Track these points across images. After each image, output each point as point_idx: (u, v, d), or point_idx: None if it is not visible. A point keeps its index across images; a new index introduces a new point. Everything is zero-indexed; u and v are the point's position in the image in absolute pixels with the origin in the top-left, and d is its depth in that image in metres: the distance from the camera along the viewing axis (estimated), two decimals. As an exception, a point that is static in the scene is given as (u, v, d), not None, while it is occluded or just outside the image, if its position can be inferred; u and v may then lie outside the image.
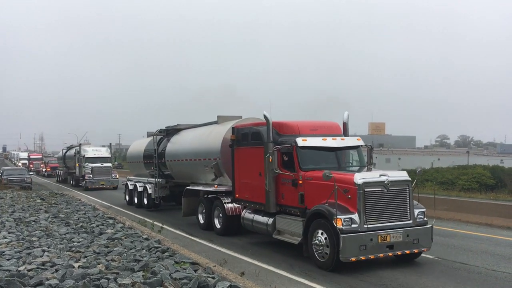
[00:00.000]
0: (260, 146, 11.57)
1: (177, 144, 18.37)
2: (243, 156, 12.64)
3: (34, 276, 7.37)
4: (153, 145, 19.82)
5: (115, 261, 8.71)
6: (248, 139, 12.46)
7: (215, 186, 14.65)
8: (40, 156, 77.35)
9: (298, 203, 10.55)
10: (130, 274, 7.53)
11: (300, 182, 10.58)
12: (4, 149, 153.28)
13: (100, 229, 12.70)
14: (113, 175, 35.14)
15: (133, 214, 19.13)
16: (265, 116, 11.44)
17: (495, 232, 14.57)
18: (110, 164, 35.75)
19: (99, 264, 8.31)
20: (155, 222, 14.62)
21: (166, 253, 9.49)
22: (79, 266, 8.25)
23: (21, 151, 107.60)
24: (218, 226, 14.19)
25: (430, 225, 10.30)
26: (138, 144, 23.59)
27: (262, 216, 11.82)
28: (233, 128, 13.27)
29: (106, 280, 7.10)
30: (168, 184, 19.88)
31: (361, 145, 11.76)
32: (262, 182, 11.35)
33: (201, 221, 15.22)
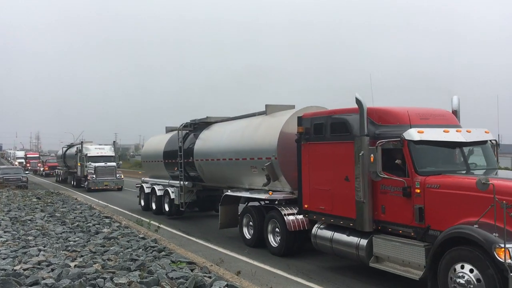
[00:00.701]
0: (346, 141, 8.78)
1: (209, 141, 15.33)
2: (318, 154, 9.74)
3: (30, 276, 7.35)
4: (178, 142, 16.75)
5: (112, 260, 8.70)
6: (326, 131, 9.52)
7: (270, 192, 11.51)
8: (37, 155, 76.30)
9: (414, 220, 7.64)
10: (126, 274, 7.52)
11: (418, 190, 7.67)
12: (0, 148, 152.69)
13: (97, 228, 12.67)
14: (117, 175, 32.66)
15: (131, 214, 19.09)
16: (358, 101, 8.41)
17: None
18: (114, 164, 33.07)
19: (95, 264, 8.30)
20: (151, 222, 14.59)
21: (163, 253, 9.48)
22: (75, 265, 8.24)
23: (18, 150, 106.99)
24: (273, 243, 11.29)
25: None
26: (156, 141, 20.28)
27: (348, 236, 8.89)
28: (299, 118, 10.38)
29: (103, 280, 7.08)
30: (195, 188, 16.74)
31: (491, 140, 8.89)
32: (349, 189, 8.58)
33: (247, 235, 12.41)
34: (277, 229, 11.17)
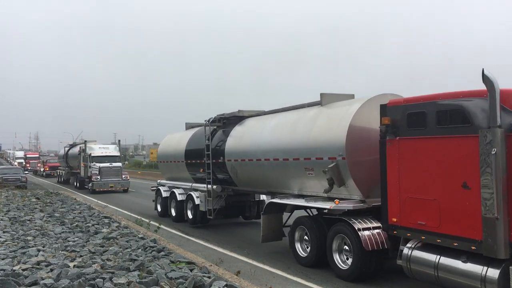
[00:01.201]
0: (465, 135, 6.79)
1: (244, 138, 13.00)
2: (415, 153, 7.60)
3: (29, 276, 7.34)
4: (204, 139, 14.53)
5: (111, 260, 8.69)
6: (429, 122, 7.36)
7: (336, 201, 9.22)
8: (37, 155, 75.73)
9: None
10: (125, 274, 7.51)
11: None
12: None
13: (96, 228, 12.66)
14: (123, 176, 31.15)
15: (130, 213, 19.08)
16: (486, 79, 6.41)
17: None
18: (120, 164, 31.58)
19: (94, 264, 8.29)
20: (151, 222, 14.58)
21: (162, 253, 9.47)
22: (74, 265, 8.23)
23: (17, 150, 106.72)
24: (341, 265, 9.08)
25: None
26: (176, 140, 17.92)
27: (466, 263, 6.74)
28: (384, 106, 8.30)
29: (102, 280, 7.08)
30: (225, 192, 14.46)
31: None
32: (470, 200, 6.65)
33: (301, 253, 10.18)
34: (345, 246, 8.95)
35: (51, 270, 7.80)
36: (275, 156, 11.33)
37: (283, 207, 10.91)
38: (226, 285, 6.99)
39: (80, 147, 34.12)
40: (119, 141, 36.41)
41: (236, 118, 14.08)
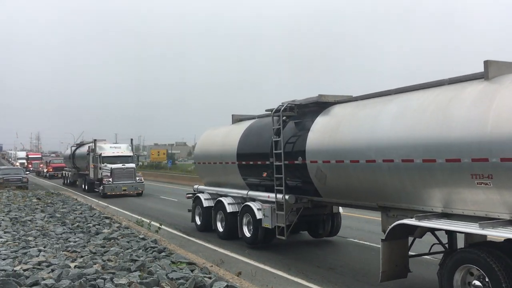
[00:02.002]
0: None
1: (340, 131, 9.34)
2: None
3: (30, 276, 7.35)
4: (273, 134, 11.29)
5: (112, 261, 8.70)
6: None
7: None
8: (39, 156, 74.17)
9: None
10: (126, 274, 7.51)
11: None
12: (0, 148, 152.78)
13: (97, 228, 12.68)
14: (137, 178, 28.45)
15: (130, 214, 19.07)
16: None
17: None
18: (133, 165, 28.86)
19: (95, 264, 8.30)
20: (152, 222, 14.58)
21: (163, 253, 9.48)
22: (75, 266, 8.24)
23: (19, 150, 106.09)
24: None
25: None
26: (221, 135, 14.43)
27: None
28: None
29: (103, 280, 7.08)
30: (299, 204, 11.04)
31: None
32: None
33: None
34: None
35: (52, 270, 7.81)
36: (407, 155, 7.79)
37: (410, 230, 7.68)
38: (227, 285, 6.98)
39: (89, 146, 31.50)
40: (131, 140, 33.54)
41: (315, 106, 10.65)
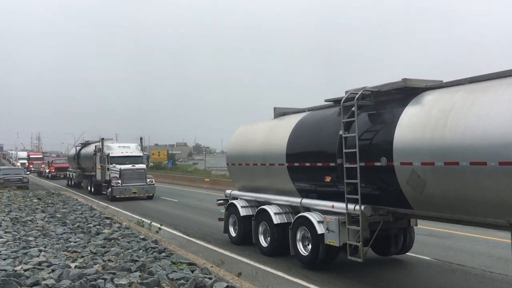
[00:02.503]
0: None
1: (451, 124, 7.25)
2: None
3: (30, 276, 7.35)
4: (342, 128, 9.09)
5: (112, 261, 8.70)
6: None
7: None
8: (41, 156, 72.93)
9: None
10: (127, 275, 7.52)
11: None
12: (1, 148, 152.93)
13: (97, 229, 12.68)
14: (148, 180, 26.53)
15: (131, 214, 19.07)
16: None
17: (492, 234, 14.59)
18: (143, 166, 27.02)
19: (96, 264, 8.31)
20: (152, 223, 14.58)
21: (163, 254, 9.48)
22: (75, 266, 8.24)
23: (20, 150, 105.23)
24: None
25: None
26: (262, 132, 12.33)
27: None
28: None
29: (103, 281, 7.08)
30: (379, 218, 8.89)
31: None
32: None
33: None
34: None
35: (53, 270, 7.82)
36: None
37: None
38: (227, 286, 6.98)
39: (96, 146, 29.52)
40: (141, 139, 30.66)
41: (398, 93, 8.66)
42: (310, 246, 9.78)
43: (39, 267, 8.19)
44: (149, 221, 14.98)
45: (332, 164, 9.39)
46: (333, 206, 9.38)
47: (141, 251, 9.69)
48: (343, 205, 9.00)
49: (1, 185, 30.17)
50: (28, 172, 43.38)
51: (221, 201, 13.67)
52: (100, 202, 23.40)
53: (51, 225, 13.47)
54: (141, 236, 11.60)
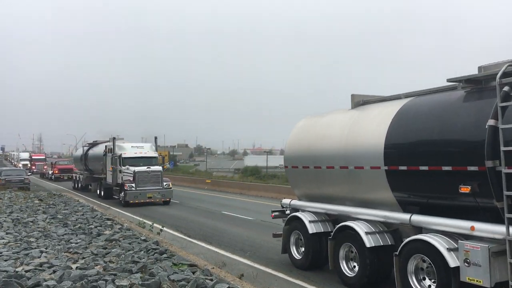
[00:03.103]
0: None
1: None
2: None
3: (31, 277, 7.36)
4: (499, 116, 6.16)
5: (113, 262, 8.71)
6: None
7: None
8: (43, 157, 71.58)
9: None
10: (128, 276, 7.52)
11: None
12: (3, 149, 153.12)
13: (98, 230, 12.68)
14: (164, 183, 23.94)
15: (131, 215, 19.07)
16: None
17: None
18: (159, 168, 24.38)
19: (97, 265, 8.31)
20: (154, 224, 14.58)
21: (164, 255, 9.48)
22: (77, 267, 8.25)
23: (22, 151, 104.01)
24: None
25: None
26: (339, 125, 9.44)
27: None
28: None
29: (104, 282, 7.09)
30: None
31: None
32: None
33: None
34: None
35: (54, 271, 7.83)
36: None
37: None
38: (228, 287, 6.98)
39: (106, 146, 27.10)
40: (155, 138, 27.80)
41: None
42: (435, 283, 6.84)
43: (40, 268, 8.20)
44: (150, 222, 14.98)
45: (472, 168, 6.55)
46: (473, 228, 6.55)
47: (142, 252, 9.69)
48: (493, 227, 6.34)
49: (3, 186, 30.20)
50: (29, 173, 43.41)
51: (277, 213, 11.15)
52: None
53: (52, 226, 13.47)
54: (142, 237, 11.60)
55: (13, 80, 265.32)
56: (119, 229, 13.09)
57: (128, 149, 24.94)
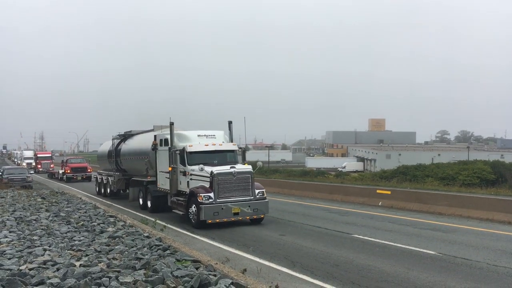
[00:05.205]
0: None
1: None
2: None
3: (35, 275, 7.36)
4: None
5: (117, 259, 8.71)
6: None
7: None
8: (49, 155, 65.08)
9: None
10: (131, 273, 7.52)
11: None
12: (5, 147, 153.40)
13: (101, 227, 12.69)
14: (257, 191, 15.75)
15: (134, 212, 19.08)
16: None
17: (496, 227, 14.54)
18: (249, 168, 16.08)
19: (100, 263, 8.31)
20: (157, 221, 14.59)
21: (168, 251, 9.48)
22: (80, 264, 8.25)
23: (25, 150, 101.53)
24: None
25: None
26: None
27: None
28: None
29: (108, 279, 7.09)
30: None
31: None
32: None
33: None
34: None
35: (57, 269, 7.82)
36: None
37: None
38: (232, 283, 6.98)
39: (156, 137, 19.15)
40: (229, 123, 18.59)
41: None
42: None
43: (44, 266, 8.19)
44: (153, 219, 14.99)
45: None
46: None
47: (145, 249, 9.69)
48: None
49: (5, 184, 30.26)
50: (32, 172, 43.27)
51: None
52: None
53: (55, 224, 13.49)
54: (145, 234, 11.61)
55: (15, 79, 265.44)
56: (122, 226, 13.10)
57: (194, 139, 17.04)
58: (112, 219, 14.41)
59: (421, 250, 11.19)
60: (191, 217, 15.57)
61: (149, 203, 19.79)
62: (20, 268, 7.98)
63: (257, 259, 10.44)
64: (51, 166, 55.15)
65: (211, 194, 15.02)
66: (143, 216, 17.26)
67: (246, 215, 15.42)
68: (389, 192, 21.70)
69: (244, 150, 18.31)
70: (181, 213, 16.42)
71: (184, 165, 16.42)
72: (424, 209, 18.64)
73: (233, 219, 15.19)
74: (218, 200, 15.03)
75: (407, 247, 11.62)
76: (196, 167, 15.76)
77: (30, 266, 8.16)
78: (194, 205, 15.30)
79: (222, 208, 15.02)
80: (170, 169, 16.93)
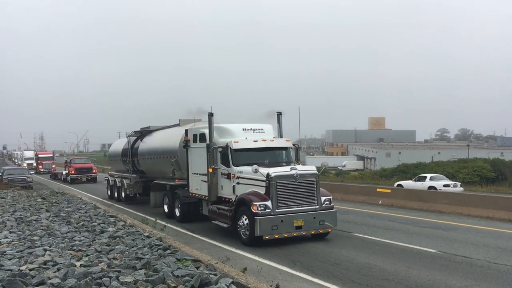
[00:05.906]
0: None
1: None
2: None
3: (36, 276, 7.36)
4: None
5: (117, 259, 8.71)
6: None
7: None
8: (51, 155, 63.76)
9: None
10: (132, 272, 7.52)
11: None
12: (5, 148, 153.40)
13: (102, 227, 12.69)
14: (323, 198, 12.70)
15: (134, 212, 19.09)
16: None
17: (496, 225, 14.56)
18: (314, 169, 13.18)
19: (101, 263, 8.31)
20: (158, 220, 14.59)
21: (168, 251, 9.48)
22: (80, 264, 8.25)
23: (26, 150, 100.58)
24: None
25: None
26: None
27: None
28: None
29: (108, 279, 7.09)
30: None
31: None
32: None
33: None
34: None
35: (58, 269, 7.82)
36: None
37: None
38: (232, 282, 6.98)
39: (188, 131, 16.02)
40: (278, 115, 15.82)
41: None
42: None
43: (44, 266, 8.19)
44: (154, 219, 14.99)
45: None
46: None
47: (145, 248, 9.69)
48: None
49: (5, 185, 30.25)
50: (32, 172, 43.20)
51: None
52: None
53: (55, 224, 13.48)
54: (146, 234, 11.61)
55: (15, 80, 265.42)
56: (122, 226, 13.09)
57: (239, 134, 14.04)
58: (112, 219, 14.40)
59: (422, 248, 11.21)
60: (241, 232, 12.36)
61: (177, 211, 16.60)
62: (21, 268, 7.98)
63: (258, 258, 10.44)
64: (53, 166, 54.51)
65: (268, 203, 11.94)
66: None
67: (310, 229, 12.26)
68: (389, 191, 21.83)
69: (297, 148, 15.17)
70: (225, 225, 13.20)
71: (228, 166, 13.31)
72: (424, 208, 18.70)
73: (295, 234, 12.08)
74: (276, 211, 11.96)
75: (407, 245, 11.63)
76: (244, 168, 12.79)
77: (31, 266, 8.16)
78: (245, 217, 12.19)
79: (282, 221, 11.93)
80: (210, 170, 13.65)
